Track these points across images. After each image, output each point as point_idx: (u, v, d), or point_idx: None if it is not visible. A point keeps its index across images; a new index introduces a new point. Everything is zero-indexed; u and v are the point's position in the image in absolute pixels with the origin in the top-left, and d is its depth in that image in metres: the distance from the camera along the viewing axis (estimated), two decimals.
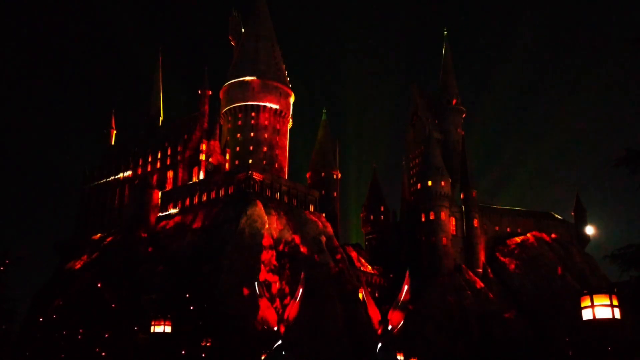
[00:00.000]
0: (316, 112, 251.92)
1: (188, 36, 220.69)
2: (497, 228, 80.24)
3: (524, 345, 63.88)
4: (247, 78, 77.74)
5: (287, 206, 63.57)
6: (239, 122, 76.75)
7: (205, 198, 63.71)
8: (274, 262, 55.85)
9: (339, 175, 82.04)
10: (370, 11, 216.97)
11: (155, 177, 70.13)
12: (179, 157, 69.48)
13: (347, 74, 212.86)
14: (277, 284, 54.57)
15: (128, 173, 73.36)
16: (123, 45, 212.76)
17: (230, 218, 58.08)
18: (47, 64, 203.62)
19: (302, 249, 59.08)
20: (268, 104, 77.18)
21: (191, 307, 45.90)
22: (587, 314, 9.64)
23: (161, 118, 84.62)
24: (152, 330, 18.75)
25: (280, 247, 58.13)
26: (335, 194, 79.84)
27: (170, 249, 59.34)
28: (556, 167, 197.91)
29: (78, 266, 63.54)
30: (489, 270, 75.18)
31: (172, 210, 65.60)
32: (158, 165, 70.96)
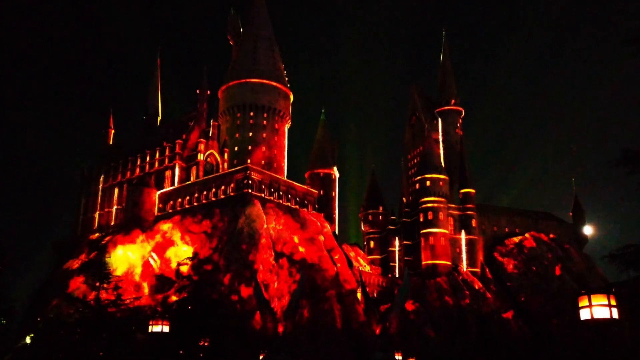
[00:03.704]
0: (315, 112, 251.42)
1: (187, 36, 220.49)
2: (495, 228, 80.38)
3: (522, 345, 63.98)
4: (246, 78, 77.62)
5: (285, 206, 63.51)
6: (238, 122, 76.64)
7: (203, 198, 63.67)
8: (273, 262, 55.78)
9: (338, 175, 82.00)
10: (370, 11, 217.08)
11: (153, 177, 70.02)
12: (177, 156, 69.36)
13: (346, 74, 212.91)
14: (276, 284, 54.50)
15: (126, 173, 73.29)
16: (122, 44, 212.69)
17: (228, 218, 58.03)
18: (45, 63, 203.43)
19: (301, 249, 59.03)
20: (267, 104, 77.06)
21: (189, 307, 45.81)
22: (584, 314, 9.63)
23: (159, 117, 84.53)
24: (150, 330, 18.77)
25: (279, 247, 58.06)
26: (333, 194, 79.81)
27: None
28: (555, 167, 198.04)
29: (76, 266, 63.43)
30: (487, 270, 75.24)
31: (170, 210, 65.51)
32: (156, 165, 70.85)
